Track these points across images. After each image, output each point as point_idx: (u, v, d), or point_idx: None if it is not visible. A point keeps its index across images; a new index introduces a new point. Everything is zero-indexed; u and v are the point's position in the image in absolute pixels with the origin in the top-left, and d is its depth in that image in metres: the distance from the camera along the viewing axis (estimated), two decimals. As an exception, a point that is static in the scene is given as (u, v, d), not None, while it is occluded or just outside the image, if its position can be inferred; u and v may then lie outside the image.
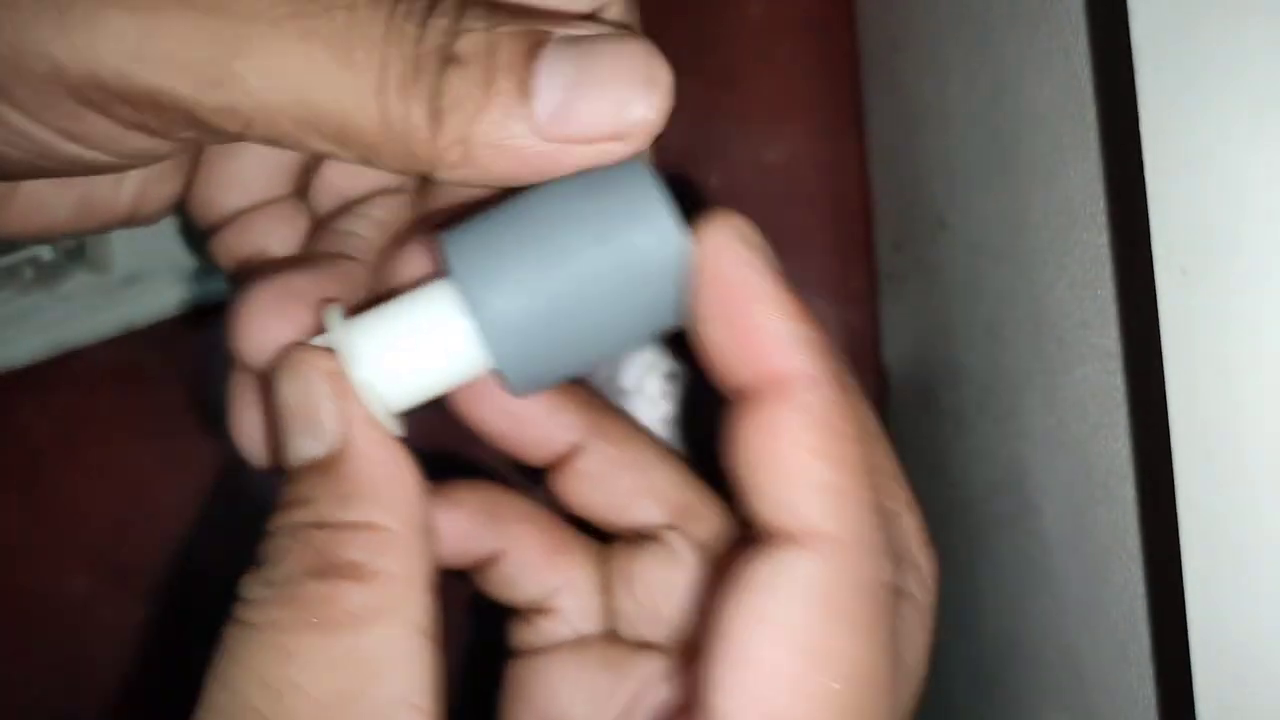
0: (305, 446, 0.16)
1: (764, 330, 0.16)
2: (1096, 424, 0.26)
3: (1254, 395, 0.17)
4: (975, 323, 0.35)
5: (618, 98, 0.15)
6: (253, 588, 0.17)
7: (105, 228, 0.20)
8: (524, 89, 0.15)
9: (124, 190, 0.20)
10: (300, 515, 0.16)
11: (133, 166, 0.18)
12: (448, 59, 0.14)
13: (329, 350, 0.16)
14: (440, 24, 0.15)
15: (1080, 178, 0.26)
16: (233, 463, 0.51)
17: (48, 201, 0.19)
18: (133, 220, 0.20)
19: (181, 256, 0.47)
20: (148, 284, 0.47)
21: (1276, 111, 0.17)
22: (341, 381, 0.16)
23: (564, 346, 0.17)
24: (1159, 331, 0.19)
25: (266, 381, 0.17)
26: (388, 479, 0.16)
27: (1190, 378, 0.19)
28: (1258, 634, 0.18)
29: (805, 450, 0.15)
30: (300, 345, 0.17)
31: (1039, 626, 0.32)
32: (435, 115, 0.15)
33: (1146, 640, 0.25)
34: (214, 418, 0.52)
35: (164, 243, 0.44)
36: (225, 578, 0.54)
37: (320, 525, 0.16)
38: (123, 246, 0.42)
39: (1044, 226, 0.29)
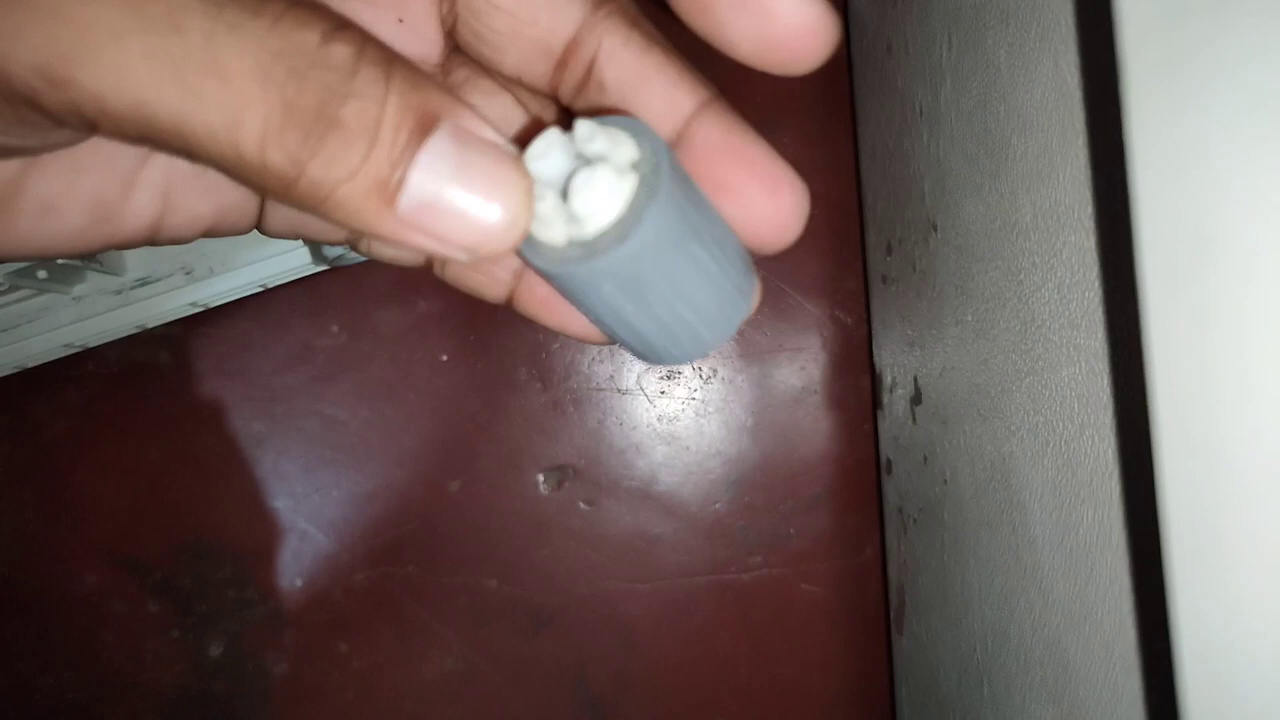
0: None
1: None
2: (1082, 423, 0.27)
3: (1236, 395, 0.18)
4: (965, 323, 0.35)
5: (478, 224, 0.15)
6: None
7: (126, 242, 0.18)
8: (393, 185, 0.14)
9: (137, 201, 0.19)
10: None
11: (39, 150, 0.16)
12: (328, 123, 0.14)
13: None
14: (326, 79, 0.14)
15: (1068, 181, 0.26)
16: (246, 460, 0.51)
17: (57, 204, 0.18)
18: (158, 236, 0.19)
19: (192, 259, 0.47)
20: (159, 285, 0.47)
21: (1261, 116, 0.17)
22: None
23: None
24: (1144, 333, 0.19)
25: None
26: None
27: (1174, 378, 0.19)
28: (1240, 628, 0.18)
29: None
30: None
31: (1026, 621, 0.32)
32: (296, 165, 0.14)
33: (1132, 634, 0.25)
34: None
35: (174, 246, 0.45)
36: (235, 573, 0.54)
37: None
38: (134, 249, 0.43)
39: (1033, 229, 0.29)
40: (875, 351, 0.51)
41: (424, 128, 0.14)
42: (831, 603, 0.53)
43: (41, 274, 0.44)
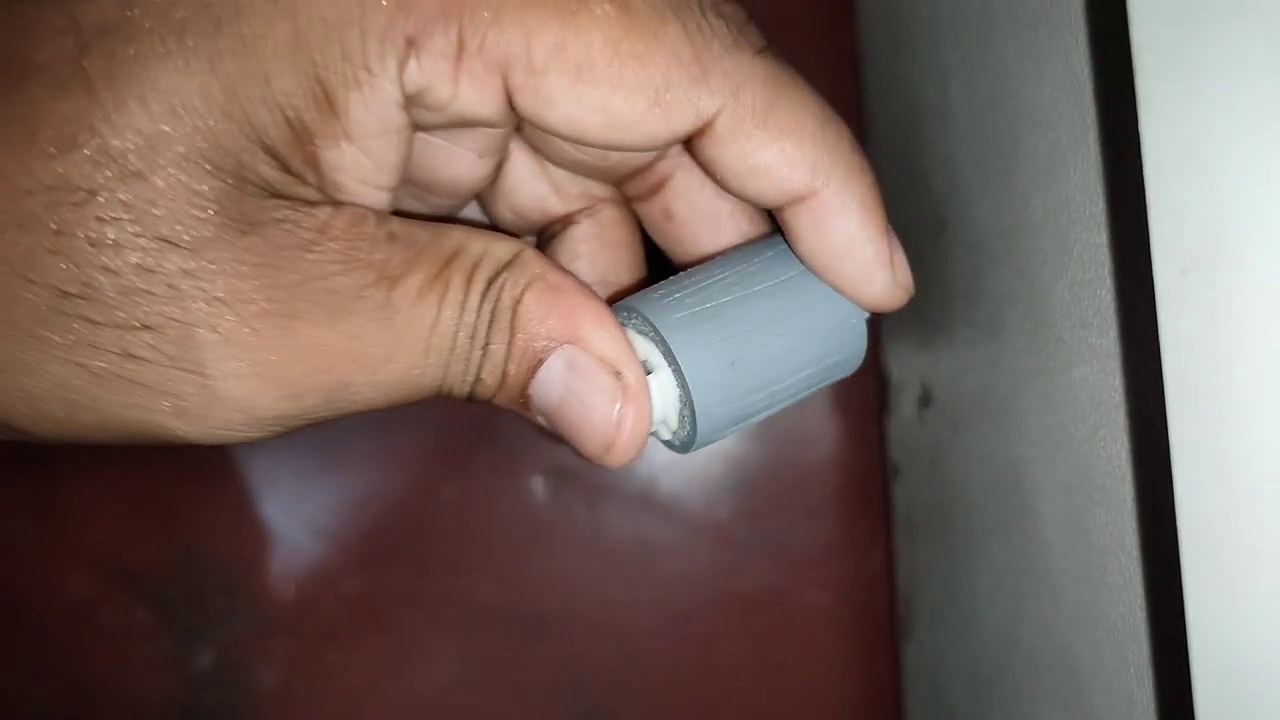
0: None
1: None
2: (1095, 425, 0.26)
3: (1252, 396, 0.17)
4: (975, 323, 0.35)
5: (590, 437, 0.19)
6: None
7: None
8: (523, 401, 0.19)
9: None
10: None
11: None
12: (471, 376, 0.18)
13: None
14: (472, 346, 0.18)
15: (1080, 178, 0.26)
16: (239, 469, 0.51)
17: None
18: None
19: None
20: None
21: (1276, 112, 0.17)
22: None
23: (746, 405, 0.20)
24: (1158, 332, 0.19)
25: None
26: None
27: (1189, 378, 0.19)
28: (1256, 636, 0.18)
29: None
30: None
31: (1038, 628, 0.32)
32: (449, 396, 0.19)
33: (1145, 642, 0.25)
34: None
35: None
36: (225, 581, 0.54)
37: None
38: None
39: (1044, 227, 0.29)
40: (882, 354, 0.51)
41: (537, 359, 0.18)
42: (837, 609, 0.52)
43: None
